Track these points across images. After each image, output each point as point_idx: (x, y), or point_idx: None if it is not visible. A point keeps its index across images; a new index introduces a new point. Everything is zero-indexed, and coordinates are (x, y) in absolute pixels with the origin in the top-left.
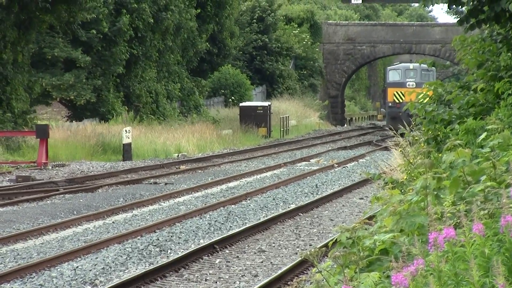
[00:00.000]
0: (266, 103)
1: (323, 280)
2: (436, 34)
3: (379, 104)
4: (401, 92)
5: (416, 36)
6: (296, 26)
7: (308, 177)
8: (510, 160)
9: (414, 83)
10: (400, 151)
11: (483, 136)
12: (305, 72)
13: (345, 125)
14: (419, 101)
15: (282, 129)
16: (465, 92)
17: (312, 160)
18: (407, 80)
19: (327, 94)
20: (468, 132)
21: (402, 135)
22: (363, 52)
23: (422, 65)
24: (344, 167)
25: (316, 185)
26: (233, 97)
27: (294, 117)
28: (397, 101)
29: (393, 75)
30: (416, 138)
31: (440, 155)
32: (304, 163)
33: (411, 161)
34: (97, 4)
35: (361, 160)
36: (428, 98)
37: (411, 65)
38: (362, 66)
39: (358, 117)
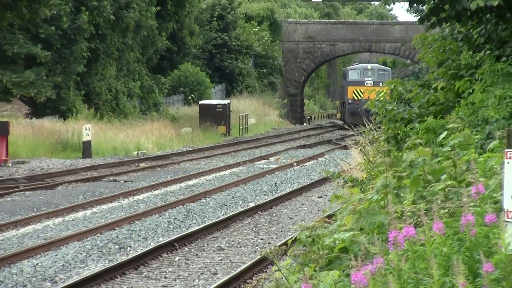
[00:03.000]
0: (225, 101)
1: (282, 278)
2: (396, 32)
3: (338, 102)
4: (360, 90)
5: (376, 35)
6: (256, 24)
7: (267, 175)
8: (471, 159)
9: (372, 82)
10: (360, 149)
11: (443, 135)
12: (265, 70)
13: (305, 124)
14: (379, 99)
15: (241, 128)
16: (425, 90)
17: (271, 159)
18: (365, 79)
19: (287, 92)
20: (428, 131)
21: (361, 133)
22: (322, 51)
23: (379, 65)
24: (303, 166)
25: (275, 183)
26: (192, 95)
27: (254, 116)
28: (356, 98)
29: (352, 74)
30: (376, 136)
31: (400, 154)
32: (263, 161)
33: (371, 159)
34: (58, 1)
35: (320, 158)
36: (388, 97)
37: (369, 65)
38: (321, 64)
39: (318, 116)
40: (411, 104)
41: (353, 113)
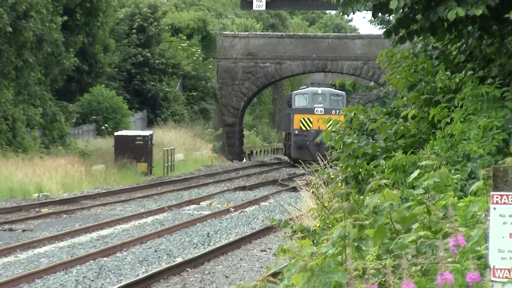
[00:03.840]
0: (147, 133)
1: None
2: (357, 48)
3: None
4: (308, 119)
5: (332, 51)
6: (185, 38)
7: (198, 224)
8: (448, 204)
9: (323, 109)
10: (312, 192)
11: (415, 174)
12: (195, 94)
13: (244, 160)
14: (336, 130)
15: (166, 165)
16: (393, 120)
17: (203, 203)
18: (315, 105)
19: (222, 121)
20: (396, 169)
21: (314, 172)
22: (266, 70)
23: (331, 89)
24: (242, 212)
25: (208, 233)
26: (106, 125)
27: (182, 150)
28: (303, 128)
29: (299, 100)
30: (332, 176)
31: (362, 197)
32: (193, 206)
33: (326, 204)
34: None
35: (263, 203)
36: (343, 127)
37: (319, 89)
38: (265, 87)
39: (260, 150)
40: (375, 136)
41: (300, 146)
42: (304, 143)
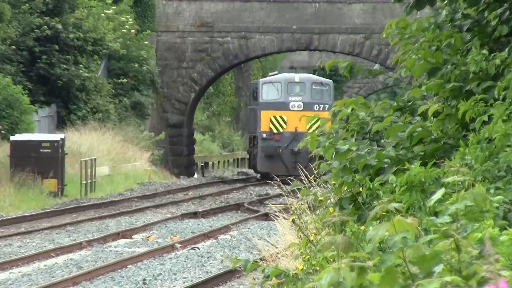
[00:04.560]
0: (56, 137)
1: None
2: (356, 16)
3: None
4: (281, 117)
5: (320, 21)
6: (110, 1)
7: (130, 265)
8: (486, 237)
9: (301, 104)
10: (292, 221)
11: (438, 195)
12: (126, 82)
13: (195, 175)
14: (325, 133)
15: (84, 182)
16: (406, 118)
17: (137, 237)
18: (290, 99)
19: (164, 121)
20: (412, 189)
21: (294, 192)
22: (227, 48)
23: (313, 75)
24: (193, 249)
25: (144, 280)
26: None
27: (107, 161)
28: (275, 130)
29: (268, 91)
30: (320, 198)
31: (363, 228)
32: (122, 241)
33: (312, 238)
34: None
35: (222, 236)
36: (343, 130)
37: (296, 76)
38: (225, 71)
39: (219, 162)
40: (382, 141)
41: (270, 155)
42: (276, 151)
